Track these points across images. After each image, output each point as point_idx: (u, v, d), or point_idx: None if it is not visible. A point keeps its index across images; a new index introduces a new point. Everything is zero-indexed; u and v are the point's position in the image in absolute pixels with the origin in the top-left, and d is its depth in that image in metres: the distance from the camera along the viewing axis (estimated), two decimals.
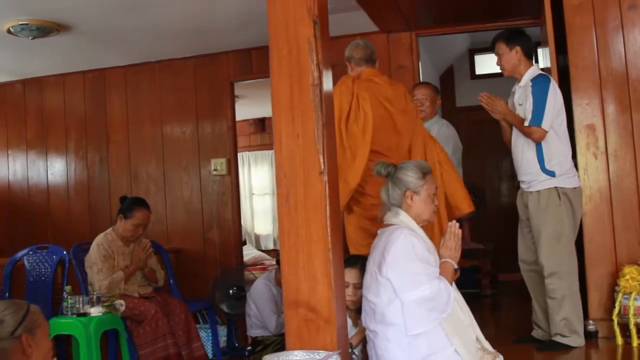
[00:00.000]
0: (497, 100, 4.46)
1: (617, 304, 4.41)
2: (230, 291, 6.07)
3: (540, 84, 4.31)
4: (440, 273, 3.18)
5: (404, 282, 3.11)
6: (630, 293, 4.37)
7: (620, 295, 4.41)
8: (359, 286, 3.51)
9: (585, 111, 4.83)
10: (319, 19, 3.00)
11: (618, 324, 4.40)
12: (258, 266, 8.87)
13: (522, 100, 4.42)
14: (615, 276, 4.61)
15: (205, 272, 6.42)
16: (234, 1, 5.17)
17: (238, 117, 7.01)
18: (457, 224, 3.33)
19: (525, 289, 4.67)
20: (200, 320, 5.99)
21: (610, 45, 4.88)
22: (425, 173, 3.39)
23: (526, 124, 4.29)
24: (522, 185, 4.50)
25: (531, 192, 4.41)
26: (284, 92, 3.01)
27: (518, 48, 4.47)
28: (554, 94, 4.30)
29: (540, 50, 5.97)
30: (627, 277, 4.43)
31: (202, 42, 6.26)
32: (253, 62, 6.53)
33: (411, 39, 6.09)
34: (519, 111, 4.41)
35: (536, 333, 4.53)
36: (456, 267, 3.27)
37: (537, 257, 4.39)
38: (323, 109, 2.97)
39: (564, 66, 4.97)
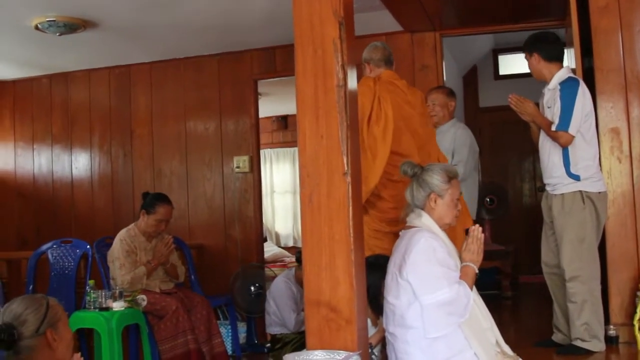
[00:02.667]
0: (526, 101, 4.45)
1: (638, 309, 4.39)
2: (252, 288, 6.11)
3: (569, 87, 4.30)
4: (461, 277, 3.17)
5: (424, 285, 3.11)
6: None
7: None
8: None
9: (610, 114, 4.80)
10: (344, 20, 3.00)
11: (639, 329, 4.38)
12: (278, 263, 8.91)
13: (550, 102, 4.40)
14: (637, 281, 4.58)
15: (226, 268, 6.46)
16: None
17: (261, 114, 7.05)
18: (480, 228, 3.32)
19: (546, 292, 4.65)
20: (220, 317, 6.03)
21: (636, 48, 4.84)
22: (451, 177, 3.38)
23: (553, 128, 4.26)
24: (547, 188, 4.49)
25: (555, 195, 4.39)
26: (308, 93, 3.02)
27: (535, 55, 4.48)
28: (583, 98, 4.28)
29: (565, 52, 5.93)
30: None
31: (227, 39, 6.29)
32: (277, 60, 6.55)
33: (435, 39, 6.08)
34: (548, 114, 4.39)
35: (556, 337, 4.52)
36: (477, 271, 3.26)
37: (559, 260, 4.37)
38: (348, 110, 2.98)
39: (589, 68, 4.94)
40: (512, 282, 7.65)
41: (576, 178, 4.29)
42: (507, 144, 8.89)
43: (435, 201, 3.33)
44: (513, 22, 6.03)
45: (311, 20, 3.03)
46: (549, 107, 4.40)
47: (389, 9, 5.42)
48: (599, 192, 4.35)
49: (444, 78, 6.17)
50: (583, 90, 4.30)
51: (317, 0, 3.03)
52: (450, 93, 5.55)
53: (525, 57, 4.58)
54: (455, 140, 5.20)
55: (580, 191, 4.29)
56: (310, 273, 2.99)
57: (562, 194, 4.35)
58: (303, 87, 3.04)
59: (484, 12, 5.79)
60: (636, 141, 4.79)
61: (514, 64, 9.26)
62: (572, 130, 4.21)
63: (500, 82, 9.29)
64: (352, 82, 3.09)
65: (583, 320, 4.24)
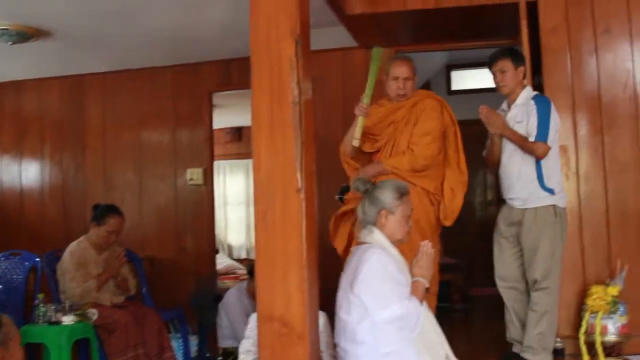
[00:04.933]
0: (496, 114, 4.47)
1: (584, 323, 4.48)
2: (204, 301, 6.09)
3: (544, 102, 4.37)
4: (412, 292, 3.23)
5: (375, 301, 3.16)
6: (597, 312, 4.45)
7: (587, 314, 4.48)
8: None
9: (559, 132, 4.92)
10: (301, 38, 3.04)
11: (585, 342, 4.47)
12: (230, 275, 8.88)
13: (521, 117, 4.42)
14: (583, 295, 4.68)
15: (178, 281, 6.42)
16: (216, 12, 5.20)
17: (215, 126, 7.04)
18: (430, 244, 3.38)
19: (497, 304, 4.70)
20: (172, 329, 5.98)
21: (584, 69, 4.98)
22: (402, 194, 3.44)
23: (531, 139, 4.29)
24: (515, 202, 4.47)
25: (527, 208, 4.38)
26: (264, 109, 3.05)
27: (522, 68, 4.51)
28: (554, 113, 4.36)
29: None
30: (595, 296, 4.50)
31: (183, 51, 6.28)
32: (233, 73, 6.55)
33: (390, 55, 6.13)
34: (518, 129, 4.43)
35: (517, 348, 4.56)
36: (427, 286, 3.31)
37: (528, 273, 4.40)
38: (303, 126, 3.02)
39: (539, 87, 5.05)
40: (463, 295, 7.74)
41: (551, 192, 4.35)
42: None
43: (386, 217, 3.38)
44: (466, 40, 6.13)
45: (268, 37, 3.07)
46: (518, 122, 4.43)
47: (344, 25, 5.47)
48: (564, 208, 4.44)
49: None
50: (554, 107, 4.40)
51: (274, 18, 3.07)
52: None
53: (503, 69, 4.50)
54: None
55: (553, 205, 4.36)
56: (263, 289, 3.01)
57: (536, 208, 4.36)
58: (259, 103, 3.07)
59: (437, 29, 5.88)
60: (583, 159, 4.92)
61: (466, 79, 9.43)
62: (550, 142, 4.29)
63: (453, 97, 9.40)
64: (307, 98, 3.12)
65: (539, 329, 4.29)
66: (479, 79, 9.34)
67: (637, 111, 4.92)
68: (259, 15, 3.12)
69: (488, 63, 4.58)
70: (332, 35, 5.66)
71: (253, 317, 3.70)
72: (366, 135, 4.48)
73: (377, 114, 4.53)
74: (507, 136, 4.42)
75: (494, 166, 4.64)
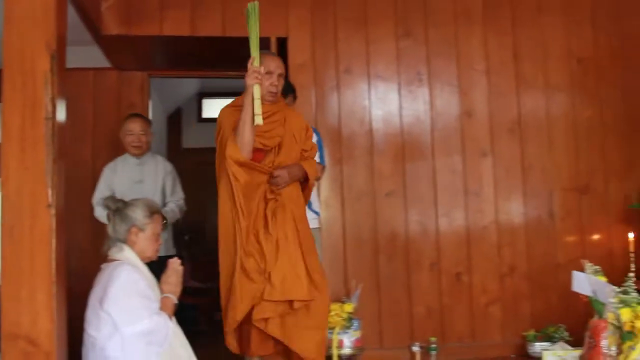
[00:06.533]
0: None
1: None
2: None
3: (315, 130, 4.62)
4: (161, 308, 3.31)
5: (125, 316, 3.19)
6: (334, 328, 4.81)
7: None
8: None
9: None
10: (57, 53, 3.03)
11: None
12: None
13: None
14: None
15: None
16: None
17: None
18: (179, 261, 3.50)
19: None
20: None
21: (327, 104, 5.41)
22: (153, 212, 3.52)
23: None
24: None
25: None
26: (15, 124, 2.98)
27: (290, 97, 4.76)
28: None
29: None
30: (332, 313, 4.86)
31: None
32: None
33: (143, 79, 6.16)
34: None
35: None
36: (176, 302, 3.42)
37: None
38: (55, 142, 3.00)
39: None
40: (209, 319, 7.87)
41: (318, 214, 4.63)
42: (208, 184, 9.16)
43: (136, 235, 3.44)
44: (219, 69, 6.33)
45: (22, 51, 3.01)
46: None
47: (99, 45, 5.42)
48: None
49: (150, 117, 6.27)
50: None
51: (29, 31, 3.02)
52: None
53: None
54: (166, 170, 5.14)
55: (318, 228, 4.63)
56: (8, 306, 2.92)
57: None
58: (10, 117, 2.99)
59: (192, 57, 6.03)
60: (324, 187, 5.32)
61: (217, 108, 9.65)
62: (326, 165, 4.56)
63: (203, 124, 9.60)
64: (61, 115, 3.11)
65: None
66: None
67: (372, 145, 5.44)
68: (13, 26, 3.05)
69: None
70: (86, 54, 5.58)
71: None
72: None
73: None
74: None
75: None
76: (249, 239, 3.83)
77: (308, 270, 3.81)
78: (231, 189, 3.85)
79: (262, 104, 3.78)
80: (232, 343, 4.00)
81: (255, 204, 3.86)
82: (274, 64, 3.98)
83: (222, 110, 4.12)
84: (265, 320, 3.78)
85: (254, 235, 3.83)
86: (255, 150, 3.84)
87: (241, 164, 3.79)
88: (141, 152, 5.01)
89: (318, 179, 4.69)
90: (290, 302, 3.75)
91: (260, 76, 3.75)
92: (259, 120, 3.68)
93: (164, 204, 4.98)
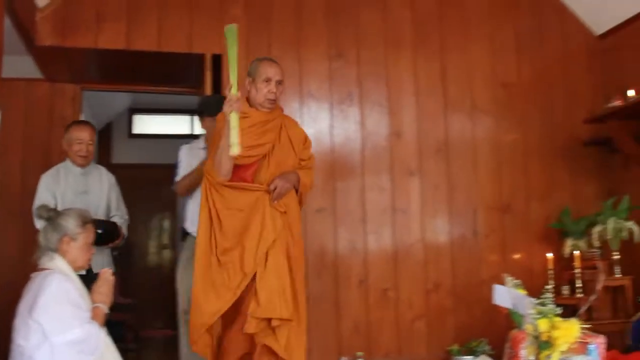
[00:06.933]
0: None
1: None
2: None
3: None
4: (92, 317, 3.31)
5: (55, 325, 3.18)
6: None
7: None
8: None
9: None
10: None
11: None
12: None
13: None
14: None
15: None
16: None
17: None
18: (110, 271, 3.52)
19: (166, 346, 4.86)
20: None
21: None
22: (85, 222, 3.52)
23: None
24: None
25: None
26: None
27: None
28: None
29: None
30: None
31: None
32: None
33: (75, 91, 6.11)
34: None
35: None
36: (107, 311, 3.42)
37: None
38: None
39: None
40: (136, 335, 7.81)
41: None
42: (137, 201, 9.11)
43: (68, 244, 3.43)
44: (152, 84, 6.35)
45: None
46: None
47: (32, 55, 5.38)
48: None
49: None
50: None
51: None
52: None
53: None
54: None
55: None
56: None
57: None
58: None
59: (125, 71, 6.02)
60: None
61: (148, 124, 9.65)
62: None
63: (133, 140, 9.56)
64: None
65: None
66: (160, 124, 9.65)
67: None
68: None
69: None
70: (17, 64, 5.52)
71: None
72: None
73: (241, 125, 3.66)
74: None
75: (187, 194, 4.86)
76: (226, 251, 3.74)
77: (294, 289, 3.76)
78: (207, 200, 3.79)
79: (255, 110, 3.81)
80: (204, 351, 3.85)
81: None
82: (273, 71, 3.89)
83: (219, 115, 3.89)
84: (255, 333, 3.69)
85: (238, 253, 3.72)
86: (242, 166, 3.79)
87: (226, 186, 3.75)
88: (87, 162, 4.76)
89: None
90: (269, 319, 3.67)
91: (237, 104, 3.56)
92: (234, 150, 3.51)
93: (109, 218, 4.78)
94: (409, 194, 5.71)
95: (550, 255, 5.43)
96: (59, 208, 4.30)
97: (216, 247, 3.74)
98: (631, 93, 5.22)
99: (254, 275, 3.68)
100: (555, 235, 5.81)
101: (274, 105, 3.90)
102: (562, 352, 3.38)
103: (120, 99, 8.93)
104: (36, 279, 3.36)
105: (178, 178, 4.87)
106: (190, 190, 4.83)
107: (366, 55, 5.79)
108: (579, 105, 6.04)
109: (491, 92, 5.98)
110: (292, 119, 4.19)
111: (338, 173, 5.61)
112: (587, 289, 5.20)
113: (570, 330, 3.40)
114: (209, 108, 4.76)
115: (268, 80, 3.85)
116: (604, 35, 6.14)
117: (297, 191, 3.94)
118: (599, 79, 6.13)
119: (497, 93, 6.00)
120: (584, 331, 3.46)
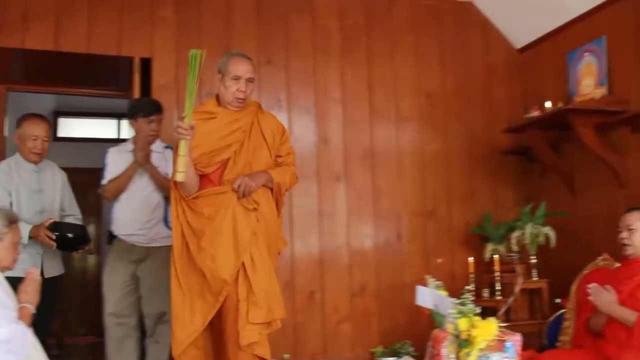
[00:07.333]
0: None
1: None
2: None
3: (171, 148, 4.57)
4: (19, 317, 3.29)
5: None
6: None
7: None
8: None
9: None
10: None
11: None
12: None
13: (158, 163, 4.73)
14: None
15: None
16: None
17: None
18: (37, 271, 3.50)
19: (90, 352, 4.82)
20: None
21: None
22: (11, 221, 3.49)
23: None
24: (141, 240, 4.72)
25: (160, 247, 4.67)
26: None
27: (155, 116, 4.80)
28: None
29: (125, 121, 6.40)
30: None
31: None
32: None
33: (0, 93, 6.01)
34: (161, 172, 4.71)
35: None
36: (33, 311, 3.40)
37: (146, 307, 4.68)
38: None
39: None
40: (59, 342, 7.70)
41: None
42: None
43: None
44: (79, 86, 6.26)
45: None
46: (157, 167, 4.72)
47: None
48: None
49: (6, 133, 6.10)
50: None
51: None
52: None
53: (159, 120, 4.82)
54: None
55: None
56: None
57: (160, 247, 4.68)
58: None
59: (51, 72, 5.93)
60: None
61: (73, 127, 9.52)
62: None
63: (59, 144, 9.36)
64: None
65: (167, 357, 4.56)
66: (86, 127, 9.53)
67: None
68: None
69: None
70: None
71: None
72: (202, 157, 3.68)
73: (207, 129, 3.68)
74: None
75: (114, 198, 4.79)
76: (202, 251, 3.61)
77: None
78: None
79: (223, 109, 3.75)
80: None
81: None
82: (243, 69, 3.76)
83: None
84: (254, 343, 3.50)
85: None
86: (208, 175, 3.71)
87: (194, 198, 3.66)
88: (41, 159, 4.53)
89: None
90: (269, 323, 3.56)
91: (189, 133, 3.44)
92: (179, 177, 3.45)
93: (61, 218, 4.58)
94: (335, 199, 5.83)
95: (471, 259, 5.60)
96: (14, 207, 4.23)
97: (191, 251, 3.62)
98: (548, 104, 5.41)
99: (236, 283, 3.56)
100: (476, 240, 6.01)
101: (243, 104, 3.79)
102: (481, 350, 3.51)
103: (45, 101, 8.77)
104: None
105: (104, 181, 4.79)
106: (117, 194, 4.78)
107: (295, 62, 5.89)
108: (500, 115, 6.25)
109: (416, 102, 6.16)
110: (269, 113, 4.03)
111: None
112: (506, 291, 5.38)
113: (488, 328, 3.53)
114: (143, 108, 4.79)
115: (237, 78, 3.74)
116: (523, 49, 6.38)
117: (272, 191, 3.82)
118: (519, 91, 6.38)
119: (422, 102, 6.18)
120: (501, 329, 3.60)
